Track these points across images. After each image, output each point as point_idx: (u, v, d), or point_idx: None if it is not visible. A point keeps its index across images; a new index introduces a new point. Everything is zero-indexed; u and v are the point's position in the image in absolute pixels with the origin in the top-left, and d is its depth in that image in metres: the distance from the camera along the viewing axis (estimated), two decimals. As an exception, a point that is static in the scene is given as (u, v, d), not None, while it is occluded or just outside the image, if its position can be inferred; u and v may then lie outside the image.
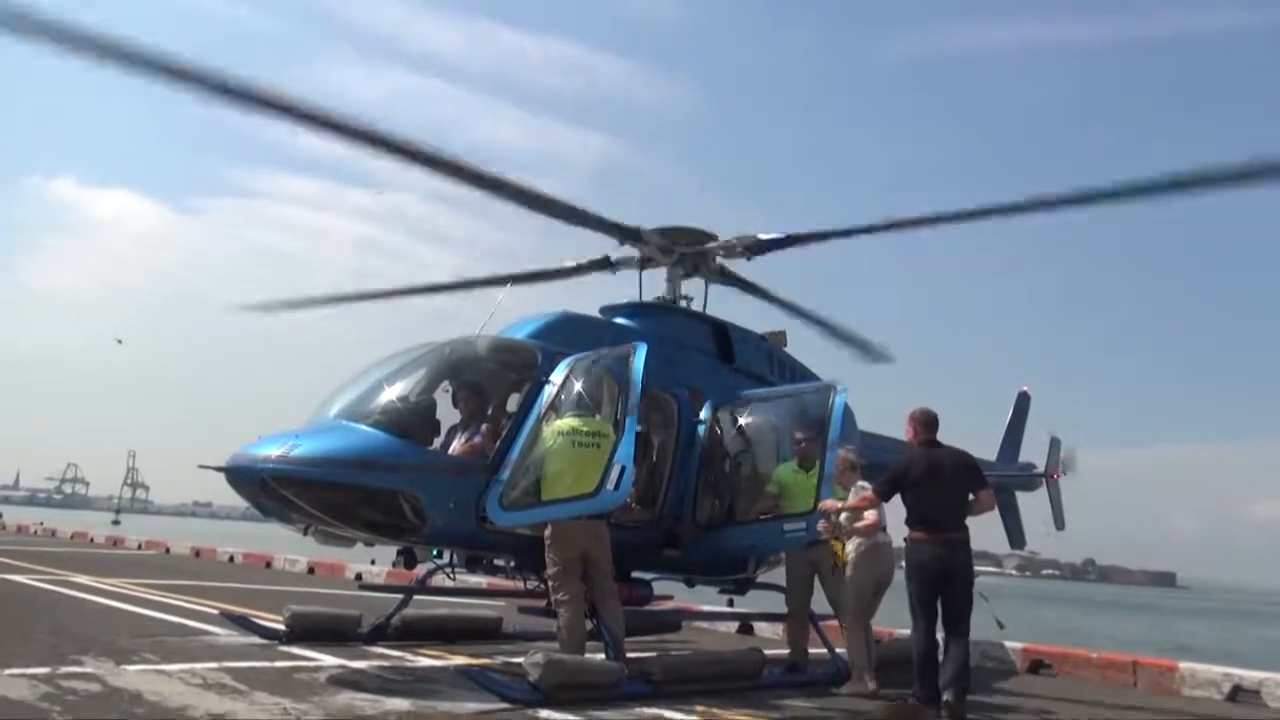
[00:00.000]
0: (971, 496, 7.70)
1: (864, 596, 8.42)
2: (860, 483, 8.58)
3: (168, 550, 22.75)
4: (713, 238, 10.56)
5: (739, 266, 10.98)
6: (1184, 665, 9.79)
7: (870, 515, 8.36)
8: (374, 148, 8.19)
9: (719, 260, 10.70)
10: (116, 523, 55.44)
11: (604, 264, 10.70)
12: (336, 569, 17.91)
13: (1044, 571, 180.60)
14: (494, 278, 11.27)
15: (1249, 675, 9.36)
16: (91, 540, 25.43)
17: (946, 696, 7.23)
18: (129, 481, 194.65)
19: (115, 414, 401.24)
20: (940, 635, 7.58)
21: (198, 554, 21.80)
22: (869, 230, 10.13)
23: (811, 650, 9.01)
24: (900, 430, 8.29)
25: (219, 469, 7.50)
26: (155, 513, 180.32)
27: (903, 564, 8.19)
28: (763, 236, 10.40)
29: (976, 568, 7.75)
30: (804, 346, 11.81)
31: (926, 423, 7.88)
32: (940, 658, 7.44)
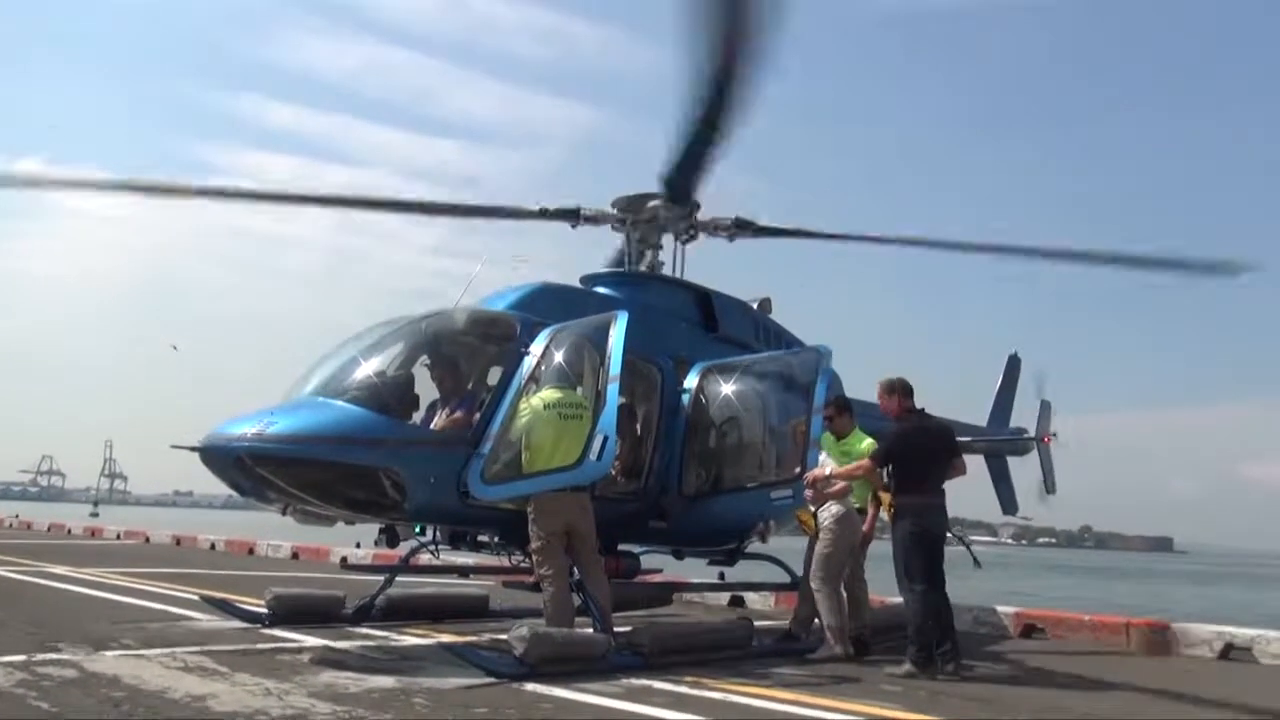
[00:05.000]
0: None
1: (840, 562, 8.38)
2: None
3: (147, 539, 22.45)
4: (656, 197, 10.20)
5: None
6: (1176, 625, 9.75)
7: (841, 480, 8.37)
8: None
9: (695, 218, 10.52)
10: (95, 514, 54.82)
11: (573, 215, 10.54)
12: (321, 553, 17.66)
13: (1040, 539, 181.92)
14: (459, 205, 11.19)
15: (1241, 633, 9.35)
16: (69, 531, 25.10)
17: (944, 649, 7.44)
18: (106, 472, 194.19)
19: (91, 403, 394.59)
20: None
21: (178, 542, 21.51)
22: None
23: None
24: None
25: (193, 449, 7.33)
26: (134, 503, 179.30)
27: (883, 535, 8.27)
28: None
29: (972, 537, 8.16)
30: (790, 312, 11.73)
31: (909, 391, 8.14)
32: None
